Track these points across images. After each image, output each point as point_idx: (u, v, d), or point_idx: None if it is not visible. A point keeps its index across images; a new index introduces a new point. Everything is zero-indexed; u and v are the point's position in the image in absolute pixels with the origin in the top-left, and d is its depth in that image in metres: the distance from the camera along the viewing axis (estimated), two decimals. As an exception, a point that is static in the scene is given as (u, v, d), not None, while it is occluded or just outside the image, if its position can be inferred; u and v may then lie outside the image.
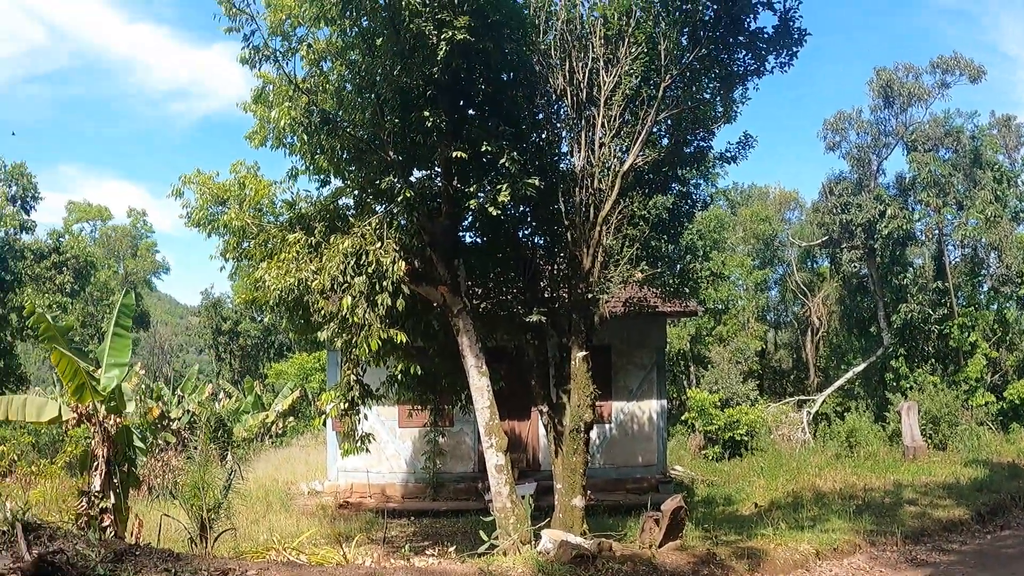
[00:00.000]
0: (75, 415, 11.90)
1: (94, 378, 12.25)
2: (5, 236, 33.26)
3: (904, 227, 32.00)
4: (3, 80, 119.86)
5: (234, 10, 11.56)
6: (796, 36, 12.33)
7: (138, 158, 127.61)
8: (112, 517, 11.41)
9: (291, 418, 31.20)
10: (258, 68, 12.29)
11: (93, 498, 11.42)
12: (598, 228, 12.47)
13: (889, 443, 27.37)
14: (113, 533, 10.95)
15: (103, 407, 11.89)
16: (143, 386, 26.90)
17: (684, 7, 12.22)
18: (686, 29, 12.36)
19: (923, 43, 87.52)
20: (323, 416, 16.29)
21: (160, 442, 23.45)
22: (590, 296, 12.51)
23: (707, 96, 13.29)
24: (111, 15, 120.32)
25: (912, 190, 33.51)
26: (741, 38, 12.38)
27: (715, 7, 12.09)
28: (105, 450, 11.72)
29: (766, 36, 12.32)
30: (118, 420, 12.10)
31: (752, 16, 12.27)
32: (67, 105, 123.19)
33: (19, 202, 35.32)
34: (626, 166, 12.52)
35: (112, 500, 11.51)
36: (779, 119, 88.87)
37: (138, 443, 18.78)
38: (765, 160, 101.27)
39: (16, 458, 18.78)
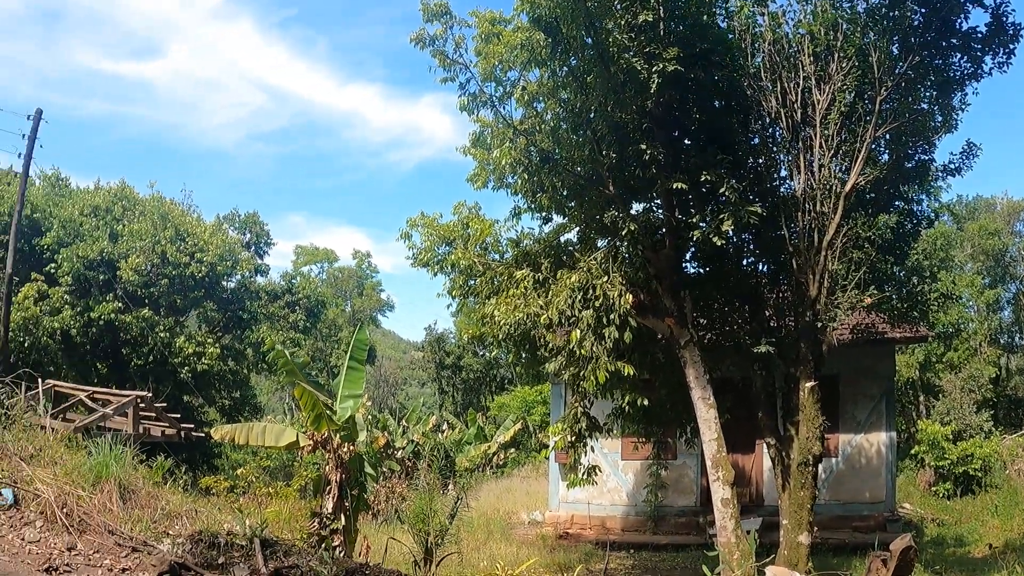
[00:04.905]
0: (311, 442, 12.72)
1: (331, 409, 13.16)
2: (242, 279, 36.51)
3: None
4: (232, 140, 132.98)
5: (448, 61, 12.33)
6: (1011, 32, 11.67)
7: (360, 205, 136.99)
8: (342, 538, 12.15)
9: (512, 450, 31.89)
10: (476, 114, 12.98)
11: (325, 519, 12.23)
12: (823, 253, 12.02)
13: None
14: (343, 553, 11.69)
15: (337, 436, 12.64)
16: (370, 416, 28.55)
17: (891, 14, 11.73)
18: (896, 37, 11.85)
19: None
20: (547, 448, 16.61)
21: (385, 470, 24.69)
22: (818, 324, 12.07)
23: (924, 106, 12.60)
24: (325, 79, 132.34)
25: None
26: (954, 40, 11.84)
27: (923, 10, 11.61)
28: (338, 475, 12.47)
29: (980, 36, 11.75)
30: (351, 448, 12.83)
31: (963, 16, 11.73)
32: (291, 160, 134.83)
33: (253, 247, 38.87)
34: (848, 186, 12.02)
35: (343, 522, 12.26)
36: (1004, 124, 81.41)
37: (368, 470, 20.02)
38: (991, 169, 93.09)
39: (253, 479, 20.53)
